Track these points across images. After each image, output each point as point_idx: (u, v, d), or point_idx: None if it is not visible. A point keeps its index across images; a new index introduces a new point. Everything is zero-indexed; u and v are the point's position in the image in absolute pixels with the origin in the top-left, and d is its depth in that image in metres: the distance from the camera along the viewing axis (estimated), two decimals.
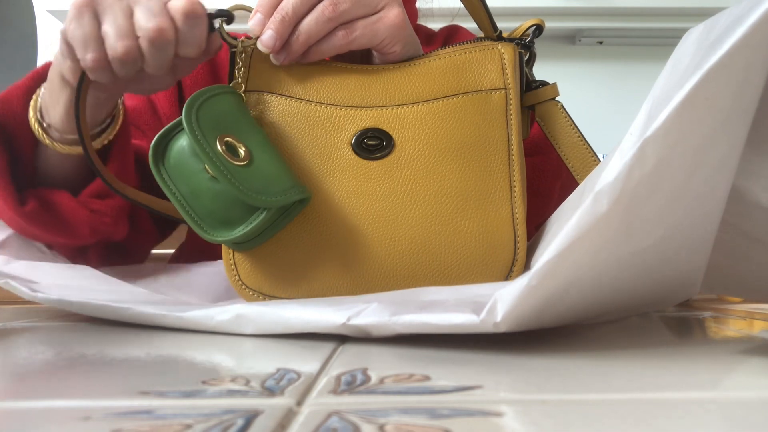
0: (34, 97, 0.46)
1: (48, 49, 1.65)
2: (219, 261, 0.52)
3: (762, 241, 0.28)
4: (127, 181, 0.51)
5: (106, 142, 0.48)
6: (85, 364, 0.25)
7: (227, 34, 0.42)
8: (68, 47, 0.41)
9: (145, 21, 0.39)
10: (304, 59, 0.42)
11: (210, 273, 0.51)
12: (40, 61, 1.63)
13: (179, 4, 0.40)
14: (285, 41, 0.41)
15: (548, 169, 0.58)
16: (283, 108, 0.42)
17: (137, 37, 0.39)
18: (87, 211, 0.48)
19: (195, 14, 0.40)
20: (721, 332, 0.33)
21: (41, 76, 0.48)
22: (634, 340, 0.30)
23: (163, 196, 0.41)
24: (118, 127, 0.48)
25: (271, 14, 0.41)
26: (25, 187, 0.48)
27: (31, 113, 0.46)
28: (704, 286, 0.32)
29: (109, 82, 0.41)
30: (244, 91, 0.43)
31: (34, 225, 0.47)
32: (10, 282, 0.40)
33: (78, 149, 0.46)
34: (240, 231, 0.38)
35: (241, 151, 0.38)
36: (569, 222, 0.23)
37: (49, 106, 0.45)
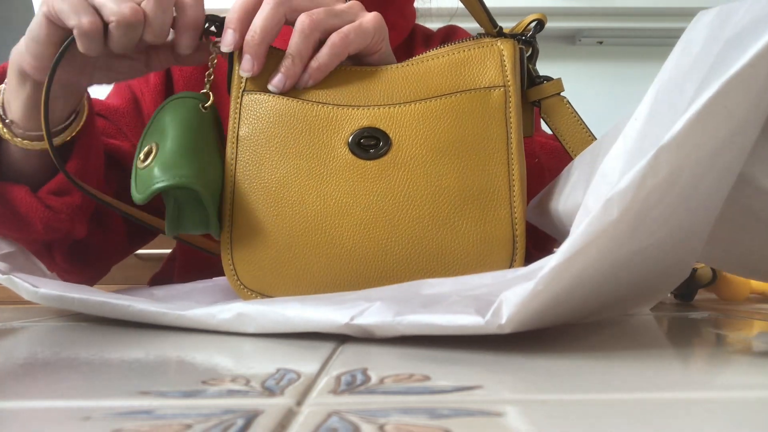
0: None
1: None
2: (215, 278, 0.53)
3: (765, 221, 0.28)
4: (91, 181, 0.51)
5: (68, 138, 0.48)
6: (85, 364, 0.25)
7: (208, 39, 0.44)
8: (49, 23, 0.41)
9: None
10: (312, 79, 0.42)
11: (208, 287, 0.51)
12: None
13: None
14: (262, 62, 0.42)
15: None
16: (280, 108, 0.42)
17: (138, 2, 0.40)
18: (42, 207, 0.48)
19: None
20: (721, 332, 0.33)
21: (3, 73, 0.48)
22: (634, 340, 0.30)
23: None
24: (81, 123, 0.48)
25: (240, 28, 0.42)
26: None
27: None
28: (704, 257, 0.32)
29: (98, 54, 0.41)
30: (243, 91, 0.43)
31: None
32: (12, 278, 0.40)
33: (40, 145, 0.46)
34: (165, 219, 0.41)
35: (153, 152, 0.40)
36: (578, 229, 0.23)
37: (11, 101, 0.45)
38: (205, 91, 0.43)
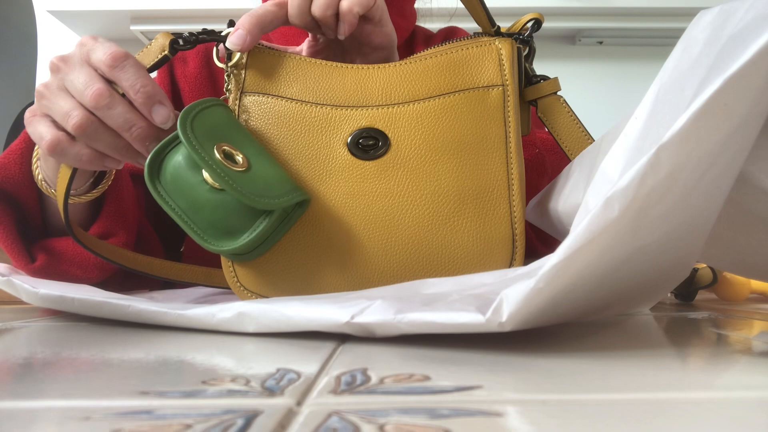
0: (34, 158, 0.48)
1: (48, 50, 1.65)
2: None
3: (764, 220, 0.28)
4: (126, 212, 0.52)
5: (102, 191, 0.49)
6: (85, 364, 0.25)
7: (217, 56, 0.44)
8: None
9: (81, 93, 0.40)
10: (348, 25, 0.42)
11: (208, 291, 0.51)
12: (40, 61, 1.63)
13: (100, 57, 0.40)
14: (255, 37, 0.42)
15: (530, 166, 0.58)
16: (278, 109, 0.42)
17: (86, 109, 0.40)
18: (92, 253, 0.49)
19: (117, 58, 0.40)
20: (721, 332, 0.33)
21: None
22: (634, 340, 0.30)
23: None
24: (111, 179, 0.49)
25: (252, 32, 0.42)
26: (37, 240, 0.50)
27: (36, 173, 0.48)
28: (703, 257, 0.32)
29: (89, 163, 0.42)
30: (241, 93, 0.43)
31: (47, 277, 0.49)
32: (12, 280, 0.40)
33: (82, 199, 0.48)
34: (245, 239, 0.38)
35: (239, 158, 0.38)
36: (579, 226, 0.23)
37: (45, 168, 0.47)
38: (225, 97, 0.43)
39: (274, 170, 0.39)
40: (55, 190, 0.47)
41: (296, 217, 0.40)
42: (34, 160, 0.48)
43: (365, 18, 0.44)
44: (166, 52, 0.42)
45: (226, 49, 0.42)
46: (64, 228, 0.50)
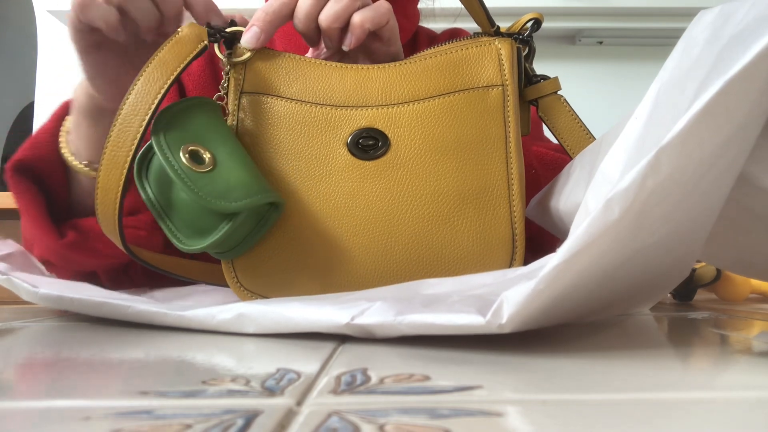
0: (62, 132, 0.49)
1: (48, 50, 1.65)
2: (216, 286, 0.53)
3: (764, 220, 0.28)
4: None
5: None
6: (85, 364, 0.25)
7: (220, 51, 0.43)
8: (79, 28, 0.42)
9: None
10: (355, 37, 0.42)
11: (208, 290, 0.51)
12: (41, 61, 1.63)
13: None
14: (269, 35, 0.42)
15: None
16: (278, 109, 0.42)
17: None
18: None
19: None
20: (721, 332, 0.33)
21: (61, 116, 0.50)
22: (634, 340, 0.30)
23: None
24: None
25: (267, 29, 0.42)
26: (61, 221, 0.51)
27: (64, 150, 0.48)
28: (703, 256, 0.32)
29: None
30: (241, 93, 0.42)
31: (77, 253, 0.50)
32: (11, 279, 0.40)
33: None
34: (210, 239, 0.38)
35: (206, 158, 0.38)
36: (579, 228, 0.23)
37: (75, 139, 0.48)
38: (219, 95, 0.43)
39: (242, 171, 0.39)
40: (82, 165, 0.48)
41: (273, 218, 0.40)
42: (62, 133, 0.48)
43: (375, 35, 0.44)
44: (205, 42, 0.41)
45: (227, 47, 0.42)
46: (88, 209, 0.50)
